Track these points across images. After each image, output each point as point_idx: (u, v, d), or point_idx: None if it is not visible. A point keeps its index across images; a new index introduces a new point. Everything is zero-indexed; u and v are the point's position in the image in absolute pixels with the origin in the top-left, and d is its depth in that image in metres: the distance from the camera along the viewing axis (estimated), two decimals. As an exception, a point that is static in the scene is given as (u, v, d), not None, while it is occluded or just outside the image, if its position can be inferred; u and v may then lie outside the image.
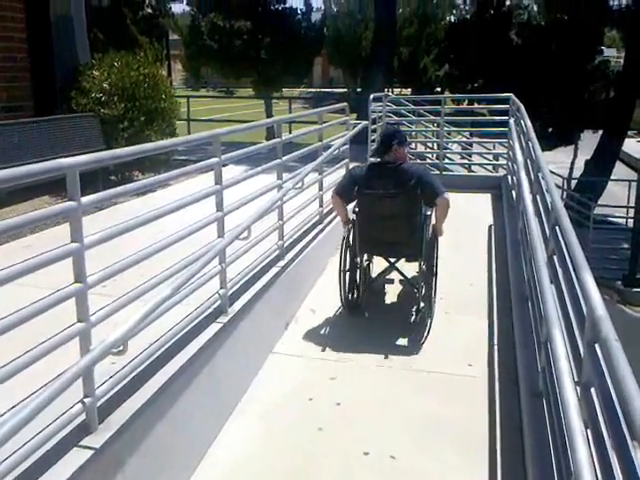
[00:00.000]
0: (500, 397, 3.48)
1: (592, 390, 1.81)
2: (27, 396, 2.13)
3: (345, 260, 4.58)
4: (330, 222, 5.93)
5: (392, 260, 4.76)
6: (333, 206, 4.91)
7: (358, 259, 4.66)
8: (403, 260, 4.77)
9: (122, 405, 2.45)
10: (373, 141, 8.88)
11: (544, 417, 2.58)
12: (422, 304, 4.45)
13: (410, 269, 4.81)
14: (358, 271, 4.68)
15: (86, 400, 2.24)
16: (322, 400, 3.48)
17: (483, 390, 3.58)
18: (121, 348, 2.30)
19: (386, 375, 3.78)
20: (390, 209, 4.41)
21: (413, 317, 4.56)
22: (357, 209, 4.60)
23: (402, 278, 4.80)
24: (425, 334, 4.32)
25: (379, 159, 4.57)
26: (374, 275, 4.93)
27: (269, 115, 17.00)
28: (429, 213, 4.57)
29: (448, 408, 3.41)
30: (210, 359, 3.14)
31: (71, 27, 8.00)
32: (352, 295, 4.72)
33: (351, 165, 6.87)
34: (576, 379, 2.01)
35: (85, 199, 2.19)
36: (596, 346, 1.77)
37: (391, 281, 4.89)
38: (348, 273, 4.61)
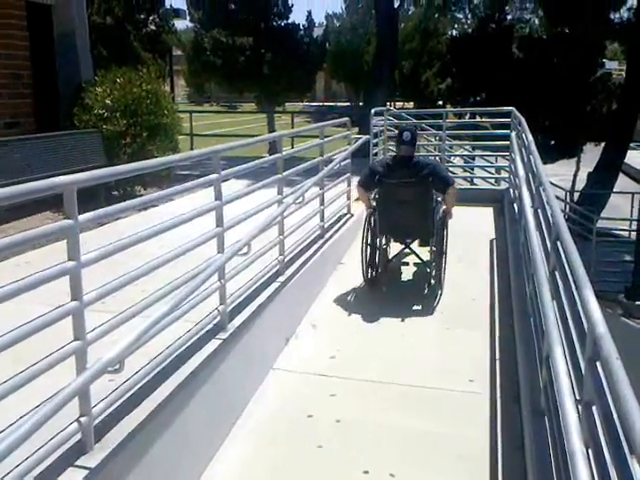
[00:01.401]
0: (502, 415, 3.44)
1: (593, 409, 1.79)
2: (22, 415, 2.11)
3: (367, 241, 5.28)
4: (332, 236, 5.92)
5: (407, 241, 5.53)
6: (358, 195, 5.62)
7: (378, 240, 5.34)
8: (416, 244, 5.54)
9: (119, 424, 2.43)
10: (375, 155, 8.89)
11: (546, 436, 2.54)
12: (433, 281, 5.25)
13: (422, 252, 5.51)
14: (377, 252, 5.35)
15: (82, 419, 2.22)
16: (322, 417, 3.45)
17: (484, 407, 3.54)
18: (117, 367, 2.28)
19: (386, 392, 3.74)
20: (406, 195, 5.15)
21: (425, 291, 5.32)
22: (377, 196, 5.32)
23: (417, 261, 5.57)
24: (435, 304, 5.04)
25: (397, 153, 5.35)
26: (390, 257, 5.65)
27: (272, 129, 17.07)
28: (440, 199, 5.30)
29: (449, 425, 3.38)
30: (209, 376, 3.11)
31: (74, 44, 8.07)
32: (372, 272, 5.39)
33: (353, 179, 6.93)
34: (577, 397, 1.99)
35: (82, 217, 2.19)
36: (597, 364, 1.75)
37: (406, 263, 5.79)
38: (369, 252, 5.32)
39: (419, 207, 5.19)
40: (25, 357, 2.07)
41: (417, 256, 5.54)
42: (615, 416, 1.56)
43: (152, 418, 2.54)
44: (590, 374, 1.82)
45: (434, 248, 5.20)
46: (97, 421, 2.34)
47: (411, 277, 5.74)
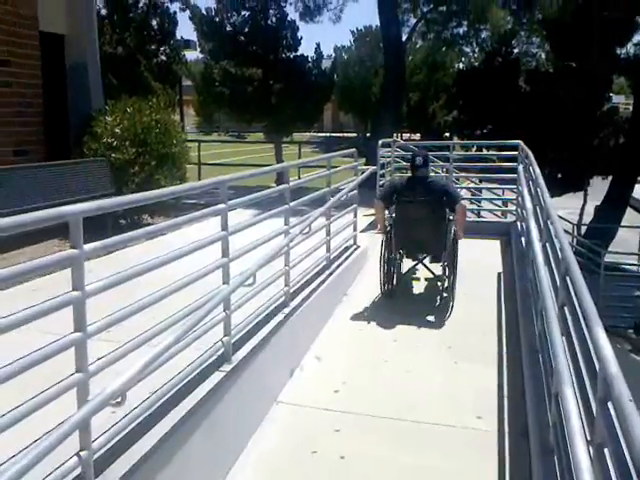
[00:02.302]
0: (510, 452, 3.37)
1: (605, 451, 1.74)
2: (21, 449, 2.07)
3: (384, 257, 5.74)
4: (338, 267, 5.89)
5: (420, 257, 5.97)
6: (375, 211, 5.99)
7: (394, 256, 5.78)
8: (428, 260, 5.97)
9: (120, 458, 2.39)
10: (382, 186, 8.92)
11: (555, 474, 2.48)
12: (445, 294, 5.65)
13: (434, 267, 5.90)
14: (393, 267, 5.82)
15: (82, 453, 2.18)
16: (326, 454, 3.38)
17: (492, 444, 3.47)
18: (119, 399, 2.24)
19: (392, 427, 3.68)
20: (421, 213, 5.59)
21: (438, 303, 5.75)
22: (394, 214, 5.78)
23: (428, 276, 6.03)
24: (448, 315, 5.46)
25: (413, 174, 5.74)
26: (404, 272, 6.10)
27: (279, 159, 17.17)
28: (452, 218, 5.67)
29: (457, 462, 3.31)
30: (212, 409, 3.07)
31: (85, 74, 8.18)
32: (388, 285, 5.85)
33: (360, 210, 6.95)
34: (589, 437, 1.94)
35: (88, 247, 2.18)
36: (609, 404, 1.71)
37: (417, 278, 6.31)
38: (386, 268, 5.78)
39: (433, 224, 5.58)
40: (27, 387, 2.04)
41: (430, 271, 5.95)
42: (629, 459, 1.51)
43: (153, 452, 2.50)
44: (602, 414, 1.77)
45: (446, 262, 5.58)
46: (97, 455, 2.29)
47: (423, 291, 6.21)
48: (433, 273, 5.91)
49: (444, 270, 5.65)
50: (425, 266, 5.98)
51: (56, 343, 2.08)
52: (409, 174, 5.99)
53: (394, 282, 5.88)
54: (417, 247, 5.88)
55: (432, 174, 6.31)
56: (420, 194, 5.53)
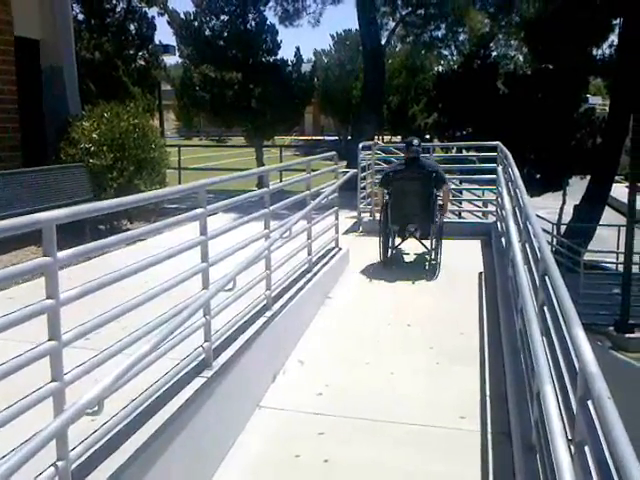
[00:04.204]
0: (493, 451, 3.38)
1: (586, 448, 1.75)
2: (-5, 461, 2.02)
3: (383, 229, 6.84)
4: (320, 270, 5.88)
5: (412, 229, 6.95)
6: (376, 195, 7.48)
7: (390, 228, 6.85)
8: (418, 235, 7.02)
9: (98, 468, 2.34)
10: (363, 188, 8.93)
11: (537, 472, 2.49)
12: (434, 262, 6.77)
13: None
14: (390, 237, 6.95)
15: (59, 463, 2.13)
16: (309, 457, 3.36)
17: (475, 443, 3.47)
18: (96, 408, 2.20)
19: (375, 429, 3.66)
20: (413, 187, 6.68)
21: (426, 266, 6.95)
22: (389, 191, 6.82)
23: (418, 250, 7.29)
24: (435, 277, 6.62)
25: (408, 154, 6.83)
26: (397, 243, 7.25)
27: (260, 163, 17.13)
28: (438, 194, 6.80)
29: (440, 463, 3.30)
30: (193, 416, 3.03)
31: (61, 79, 8.09)
32: (386, 254, 6.93)
33: (341, 213, 6.97)
34: (569, 436, 1.94)
35: (61, 254, 2.14)
36: (588, 403, 1.72)
37: (407, 253, 7.49)
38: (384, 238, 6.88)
39: (422, 197, 6.66)
40: (1, 397, 2.00)
41: (421, 243, 7.08)
42: (608, 457, 1.52)
43: (131, 462, 2.45)
44: (581, 413, 1.78)
45: (434, 237, 6.75)
46: (75, 465, 2.25)
47: (413, 260, 7.34)
48: (424, 245, 7.03)
49: (431, 243, 6.81)
50: (417, 239, 7.03)
51: (31, 352, 2.04)
52: (403, 157, 7.06)
53: (391, 251, 7.01)
54: (408, 218, 6.84)
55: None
56: (414, 170, 6.69)
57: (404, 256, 7.45)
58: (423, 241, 7.06)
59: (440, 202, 6.81)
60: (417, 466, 3.29)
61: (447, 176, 7.29)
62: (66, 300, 2.16)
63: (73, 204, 2.31)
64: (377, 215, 7.23)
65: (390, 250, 7.02)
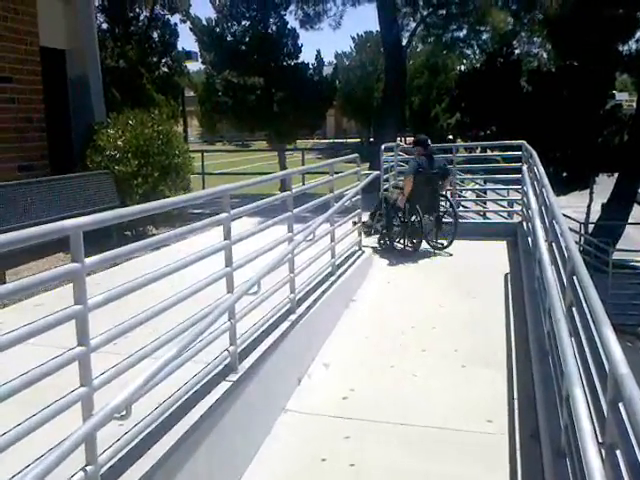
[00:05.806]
0: (521, 455, 3.33)
1: (617, 452, 1.71)
2: (27, 465, 2.05)
3: (406, 218, 7.55)
4: (343, 273, 5.87)
5: (431, 218, 7.76)
6: (406, 183, 7.57)
7: (416, 217, 7.51)
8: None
9: (126, 471, 2.37)
10: (386, 190, 8.91)
11: (568, 477, 2.45)
12: (451, 237, 7.76)
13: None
14: (413, 225, 7.58)
15: (88, 468, 2.16)
16: (336, 461, 3.35)
17: (503, 448, 3.43)
18: (124, 412, 2.22)
19: (401, 433, 3.64)
20: (432, 182, 7.65)
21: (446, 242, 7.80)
22: (413, 185, 7.48)
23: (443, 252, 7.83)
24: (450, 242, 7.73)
25: (425, 151, 7.70)
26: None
27: (283, 167, 17.19)
28: (441, 183, 7.86)
29: (467, 467, 3.27)
30: (219, 420, 3.05)
31: (87, 88, 8.20)
32: (409, 242, 7.64)
33: (364, 215, 6.97)
34: (600, 439, 1.91)
35: (89, 260, 2.17)
36: (620, 405, 1.68)
37: (428, 256, 7.77)
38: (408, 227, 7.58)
39: (437, 190, 7.77)
40: (31, 401, 2.03)
41: (439, 225, 7.83)
42: (640, 461, 1.49)
43: (160, 465, 2.47)
44: (612, 416, 1.75)
45: (451, 218, 7.82)
46: (104, 469, 2.28)
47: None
48: (441, 220, 7.86)
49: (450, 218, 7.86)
50: (438, 224, 7.82)
51: (59, 358, 2.06)
52: (422, 155, 7.69)
53: (414, 240, 7.62)
54: (427, 207, 7.60)
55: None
56: (433, 167, 7.59)
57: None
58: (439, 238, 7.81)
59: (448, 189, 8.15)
60: (443, 470, 3.26)
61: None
62: (93, 306, 2.19)
63: (99, 211, 2.34)
64: (400, 203, 7.57)
65: (413, 239, 7.59)
